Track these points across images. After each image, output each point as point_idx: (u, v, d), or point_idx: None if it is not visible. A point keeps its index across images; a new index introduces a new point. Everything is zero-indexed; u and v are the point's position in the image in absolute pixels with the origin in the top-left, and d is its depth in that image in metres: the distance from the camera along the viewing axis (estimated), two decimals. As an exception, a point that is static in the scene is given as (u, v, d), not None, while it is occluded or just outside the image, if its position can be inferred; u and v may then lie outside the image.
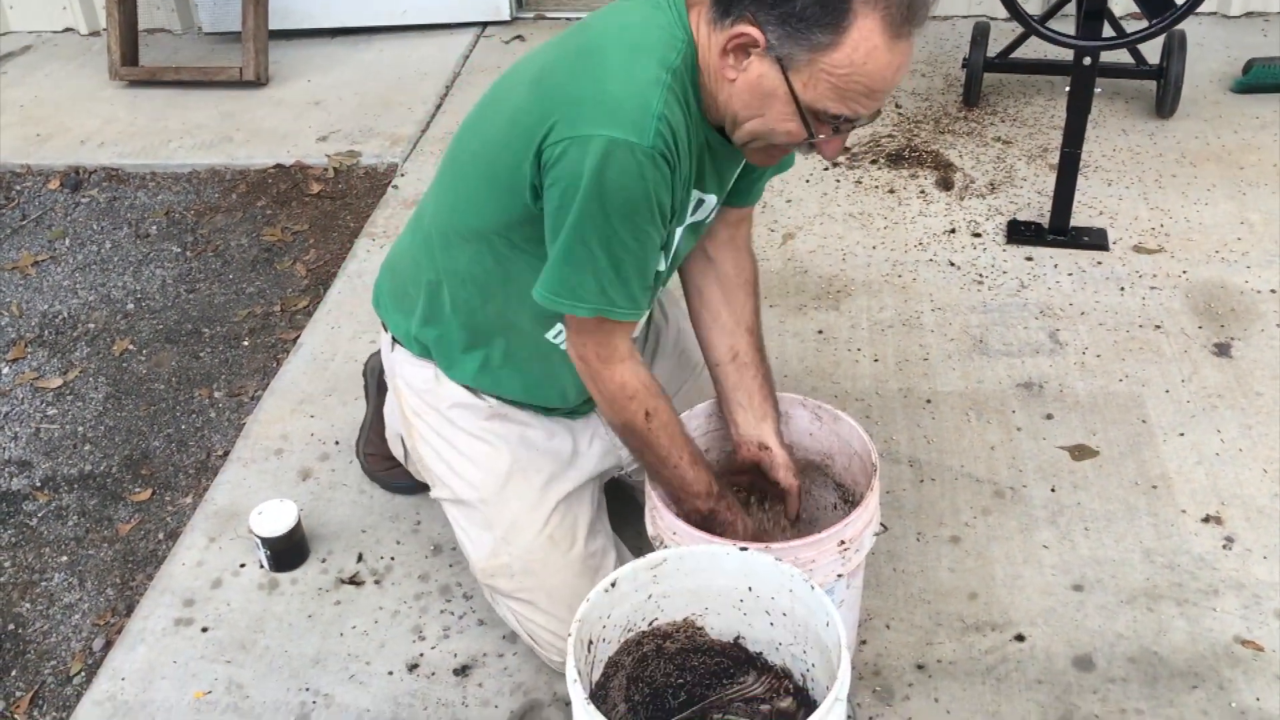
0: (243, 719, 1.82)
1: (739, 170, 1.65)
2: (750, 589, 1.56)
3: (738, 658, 1.64)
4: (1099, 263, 2.71)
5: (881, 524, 1.69)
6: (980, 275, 2.69)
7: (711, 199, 1.61)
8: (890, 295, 2.64)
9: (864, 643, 1.88)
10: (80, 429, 2.48)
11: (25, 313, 2.83)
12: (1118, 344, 2.46)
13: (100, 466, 2.38)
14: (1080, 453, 2.21)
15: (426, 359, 1.80)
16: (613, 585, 1.52)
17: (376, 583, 2.04)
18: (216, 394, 2.55)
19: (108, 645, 1.98)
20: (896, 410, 2.32)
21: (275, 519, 2.03)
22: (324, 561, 2.08)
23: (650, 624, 1.59)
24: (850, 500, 1.80)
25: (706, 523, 1.62)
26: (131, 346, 2.70)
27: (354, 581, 2.04)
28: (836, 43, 1.32)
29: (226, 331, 2.73)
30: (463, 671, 1.88)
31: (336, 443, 2.32)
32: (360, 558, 2.08)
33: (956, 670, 1.83)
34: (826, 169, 3.10)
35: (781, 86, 1.38)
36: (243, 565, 2.08)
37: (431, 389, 1.81)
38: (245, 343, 2.69)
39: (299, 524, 2.05)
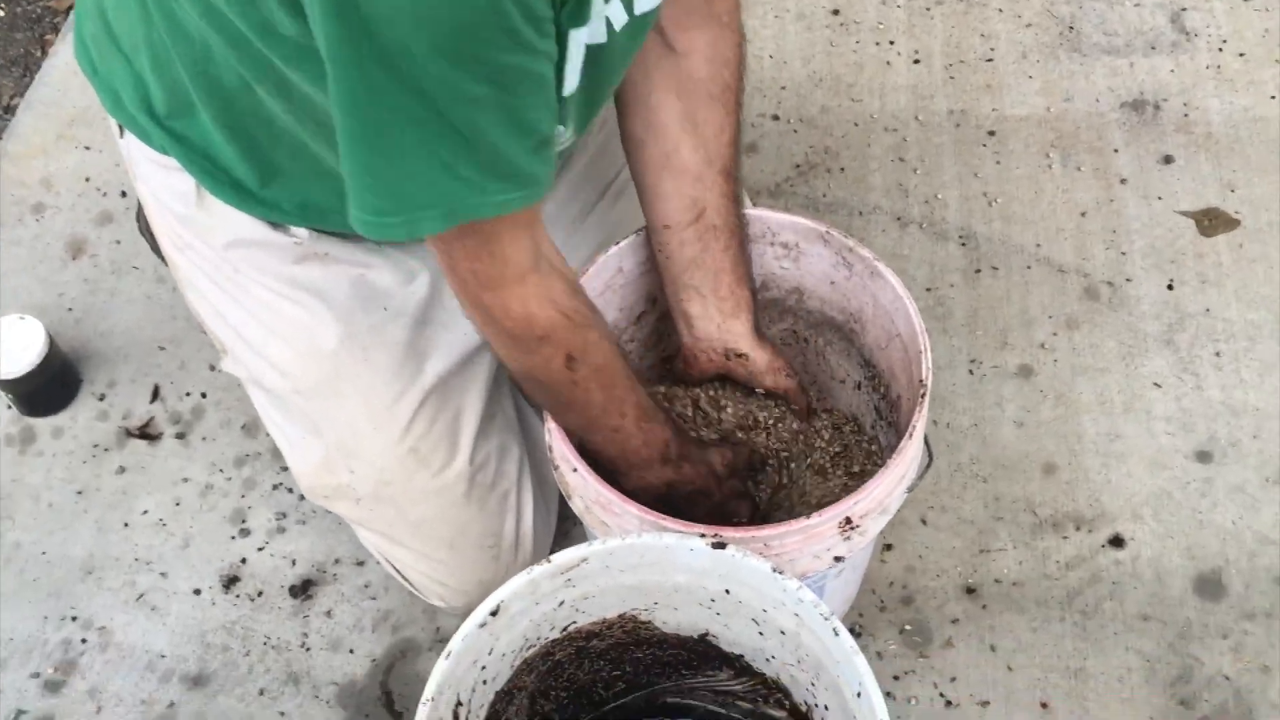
0: (-20, 670, 1.25)
1: None
2: (728, 592, 0.94)
3: (704, 653, 1.05)
4: (1245, -110, 1.84)
5: (927, 452, 1.02)
6: (1071, -89, 1.83)
7: None
8: (939, -55, 1.80)
9: (889, 548, 1.29)
10: None
11: None
12: (1271, 34, 1.68)
13: None
14: (1211, 222, 1.51)
15: (174, 158, 1.04)
16: (493, 614, 0.90)
17: (180, 436, 1.39)
18: (-42, 100, 1.76)
19: None
20: (945, 147, 1.58)
21: (14, 350, 1.34)
22: (102, 399, 1.42)
23: (564, 630, 0.98)
24: (880, 389, 1.11)
25: (666, 496, 0.97)
26: None
27: (145, 434, 1.39)
28: None
29: (-26, -9, 1.89)
30: (304, 590, 1.29)
31: (123, 194, 1.58)
32: (156, 393, 1.42)
33: (1024, 597, 1.25)
34: None
35: None
36: (-16, 404, 1.43)
37: (194, 214, 1.06)
38: (1, 12, 1.86)
39: (52, 352, 1.36)
